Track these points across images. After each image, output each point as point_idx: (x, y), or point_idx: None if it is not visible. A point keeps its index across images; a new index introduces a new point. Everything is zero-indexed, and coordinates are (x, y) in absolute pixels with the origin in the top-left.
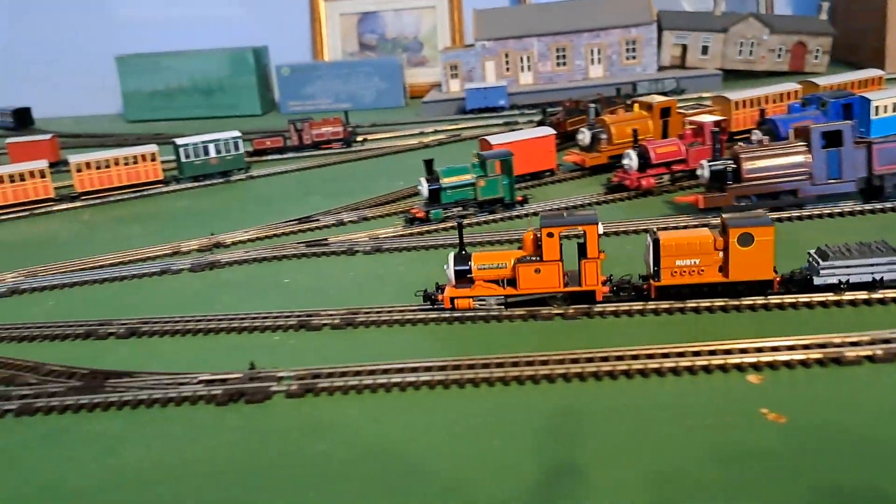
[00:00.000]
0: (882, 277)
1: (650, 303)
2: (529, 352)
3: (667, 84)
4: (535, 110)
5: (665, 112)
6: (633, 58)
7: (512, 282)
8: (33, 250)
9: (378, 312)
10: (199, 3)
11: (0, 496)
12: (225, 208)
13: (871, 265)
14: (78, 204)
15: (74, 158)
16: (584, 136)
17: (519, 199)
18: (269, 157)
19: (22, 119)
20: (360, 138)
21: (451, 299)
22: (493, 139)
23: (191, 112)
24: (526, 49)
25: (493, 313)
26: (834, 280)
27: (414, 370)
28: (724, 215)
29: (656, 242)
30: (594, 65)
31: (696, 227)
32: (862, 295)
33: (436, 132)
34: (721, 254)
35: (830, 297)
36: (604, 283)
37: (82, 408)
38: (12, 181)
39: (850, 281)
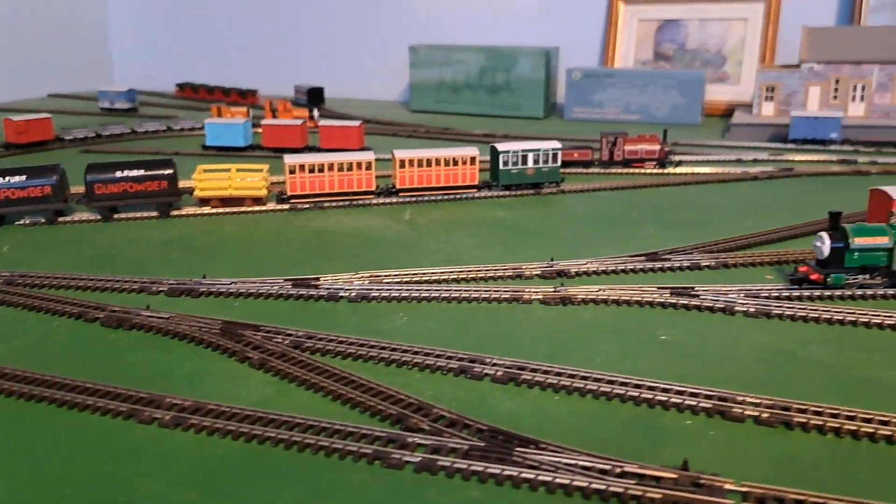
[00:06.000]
0: None
1: None
2: None
3: None
4: (871, 148)
5: None
6: None
7: None
8: (366, 249)
9: (818, 413)
10: None
11: None
12: (548, 226)
13: None
14: (393, 200)
15: (399, 154)
16: None
17: None
18: (574, 171)
19: (314, 98)
20: (675, 159)
21: None
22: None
23: (473, 108)
24: (863, 77)
25: None
26: None
27: None
28: None
29: None
30: None
31: None
32: None
33: (755, 161)
34: None
35: None
36: None
37: (492, 478)
38: (340, 170)
39: None
